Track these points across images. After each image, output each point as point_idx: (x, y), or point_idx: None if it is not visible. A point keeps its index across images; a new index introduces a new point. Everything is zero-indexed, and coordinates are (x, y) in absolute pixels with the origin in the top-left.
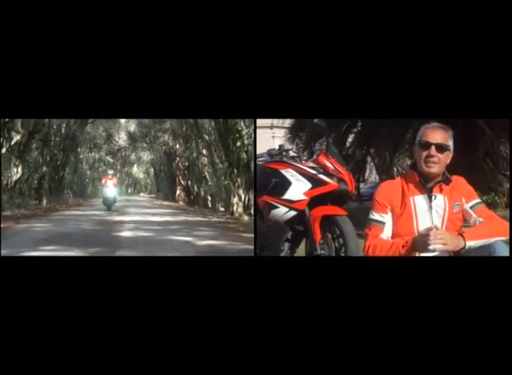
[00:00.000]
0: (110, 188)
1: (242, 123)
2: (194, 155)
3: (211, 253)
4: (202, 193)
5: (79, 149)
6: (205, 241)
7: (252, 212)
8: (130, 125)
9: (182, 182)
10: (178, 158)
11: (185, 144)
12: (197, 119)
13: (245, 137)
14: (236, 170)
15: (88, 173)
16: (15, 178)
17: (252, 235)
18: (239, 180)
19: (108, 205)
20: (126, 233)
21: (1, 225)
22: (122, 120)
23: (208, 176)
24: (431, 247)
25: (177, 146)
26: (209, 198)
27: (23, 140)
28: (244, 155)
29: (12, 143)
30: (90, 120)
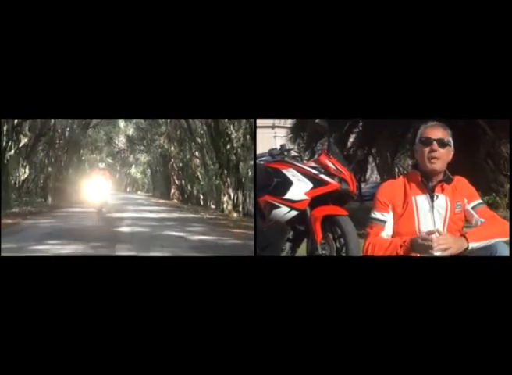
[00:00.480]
0: (100, 185)
1: (231, 127)
2: (188, 156)
3: (203, 247)
4: (195, 192)
5: (81, 151)
6: (198, 236)
7: (241, 209)
8: (129, 129)
9: (176, 181)
10: (173, 160)
11: (179, 146)
12: (194, 121)
13: (234, 141)
14: (226, 171)
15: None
16: (22, 178)
17: (241, 230)
18: (228, 180)
19: (99, 209)
20: (124, 229)
21: (10, 221)
22: (122, 124)
23: (200, 177)
24: (432, 251)
25: (172, 148)
26: (201, 196)
27: (30, 142)
28: (233, 157)
29: (20, 145)
30: (91, 125)
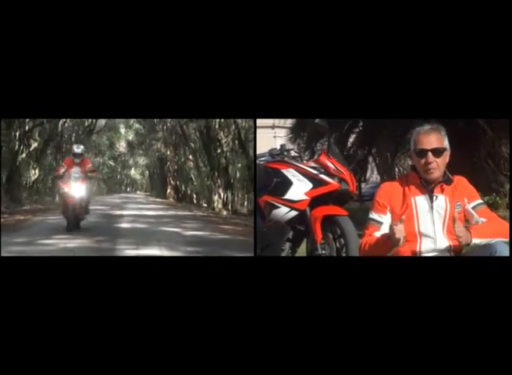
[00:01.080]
0: (75, 183)
1: (222, 133)
2: (182, 160)
3: (196, 241)
4: (189, 191)
5: (86, 155)
6: (191, 232)
7: (230, 207)
8: (129, 134)
9: (172, 182)
10: (169, 163)
11: (174, 150)
12: (188, 127)
13: (224, 146)
14: (216, 173)
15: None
16: (33, 178)
17: (230, 227)
18: (219, 181)
19: (72, 221)
20: (125, 225)
21: (22, 217)
22: (122, 131)
23: (193, 178)
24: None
25: (168, 152)
26: (194, 195)
27: (39, 147)
28: (223, 160)
29: (31, 149)
30: (95, 130)
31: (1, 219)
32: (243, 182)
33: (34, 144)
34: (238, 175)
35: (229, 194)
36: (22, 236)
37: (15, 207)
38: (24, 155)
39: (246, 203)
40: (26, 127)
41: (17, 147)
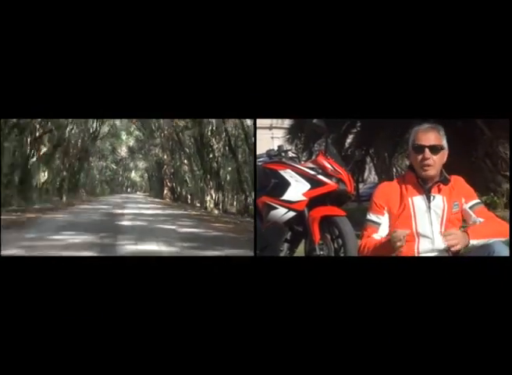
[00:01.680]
0: None
1: (214, 139)
2: (178, 163)
3: (191, 238)
4: (184, 192)
5: (90, 159)
6: (186, 229)
7: (220, 207)
8: (130, 140)
9: (168, 184)
10: (165, 166)
11: (171, 155)
12: (183, 134)
13: (216, 151)
14: (209, 176)
15: (97, 177)
16: (42, 180)
17: (221, 225)
18: (211, 183)
19: None
20: (126, 223)
21: (33, 215)
22: (124, 137)
23: (188, 180)
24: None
25: (165, 157)
26: (189, 196)
27: (48, 151)
28: (215, 165)
29: (41, 153)
30: (99, 137)
31: (14, 217)
32: (233, 184)
33: (44, 149)
34: (228, 178)
35: (220, 195)
36: (33, 232)
37: (26, 205)
38: (35, 158)
39: (235, 203)
40: (37, 133)
41: (28, 151)
